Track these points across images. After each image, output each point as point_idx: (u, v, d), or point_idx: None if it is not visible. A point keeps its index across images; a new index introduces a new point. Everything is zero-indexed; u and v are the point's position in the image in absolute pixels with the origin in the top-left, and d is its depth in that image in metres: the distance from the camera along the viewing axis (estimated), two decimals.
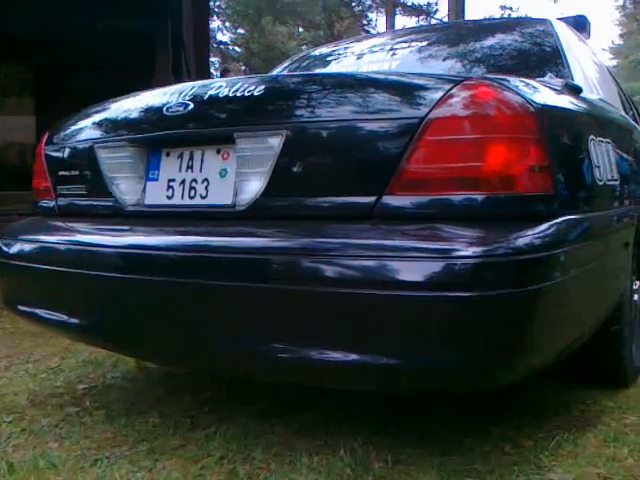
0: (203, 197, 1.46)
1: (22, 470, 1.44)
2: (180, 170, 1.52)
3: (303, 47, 17.97)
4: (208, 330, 1.37)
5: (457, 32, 2.51)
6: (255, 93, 1.39)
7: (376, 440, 1.52)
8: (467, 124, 1.20)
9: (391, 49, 2.35)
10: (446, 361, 1.16)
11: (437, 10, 18.96)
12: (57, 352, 2.46)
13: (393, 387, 1.38)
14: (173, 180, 1.52)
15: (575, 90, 1.68)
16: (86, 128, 1.78)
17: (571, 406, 1.73)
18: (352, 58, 2.46)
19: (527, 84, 1.37)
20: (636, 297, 2.00)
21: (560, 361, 1.39)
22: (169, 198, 1.52)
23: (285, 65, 2.75)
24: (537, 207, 1.22)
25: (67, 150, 1.80)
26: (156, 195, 1.55)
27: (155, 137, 1.55)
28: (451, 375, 1.20)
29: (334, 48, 2.69)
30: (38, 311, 1.71)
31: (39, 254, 1.69)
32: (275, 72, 2.71)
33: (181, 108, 1.47)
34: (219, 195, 1.43)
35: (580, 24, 2.50)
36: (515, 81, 1.34)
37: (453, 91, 1.23)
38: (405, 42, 2.40)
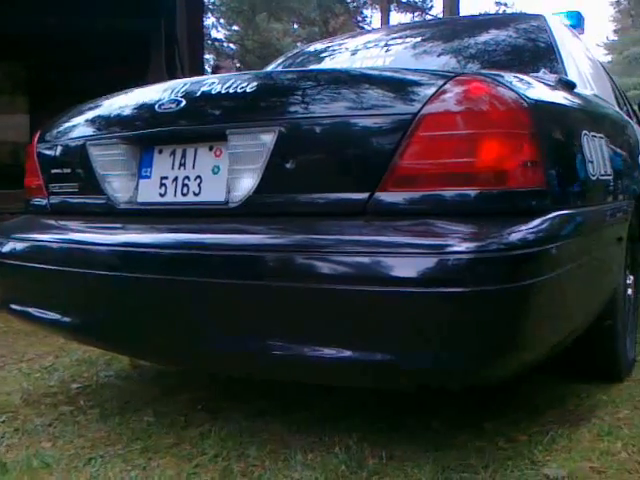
0: (196, 194, 1.46)
1: (15, 470, 1.43)
2: (173, 167, 1.51)
3: (298, 44, 17.92)
4: (202, 328, 1.36)
5: (451, 28, 2.50)
6: (247, 89, 1.38)
7: (371, 437, 1.52)
8: (460, 119, 1.20)
9: (385, 45, 2.35)
10: (440, 357, 1.16)
11: (432, 6, 19.01)
12: (51, 351, 2.46)
13: (388, 383, 1.38)
14: (166, 177, 1.52)
15: (569, 85, 1.68)
16: (78, 125, 1.77)
17: (565, 400, 1.73)
18: (346, 54, 2.45)
19: (520, 79, 1.37)
20: (629, 291, 2.01)
21: (553, 356, 1.40)
22: (162, 196, 1.51)
23: (279, 62, 2.74)
24: (530, 202, 1.22)
25: (59, 148, 1.79)
26: (149, 193, 1.54)
27: (147, 134, 1.54)
28: (445, 371, 1.19)
29: (328, 44, 2.68)
30: (31, 310, 1.70)
31: (31, 253, 1.68)
32: (269, 69, 2.70)
33: (173, 105, 1.47)
34: (212, 192, 1.43)
35: (574, 19, 2.51)
36: (508, 76, 1.33)
37: (446, 87, 1.22)
38: (399, 38, 2.39)
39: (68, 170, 1.74)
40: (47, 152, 1.82)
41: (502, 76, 1.31)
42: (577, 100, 1.66)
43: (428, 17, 17.90)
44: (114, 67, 5.22)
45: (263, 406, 1.75)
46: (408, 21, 16.95)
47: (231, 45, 19.78)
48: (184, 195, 1.47)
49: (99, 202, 1.63)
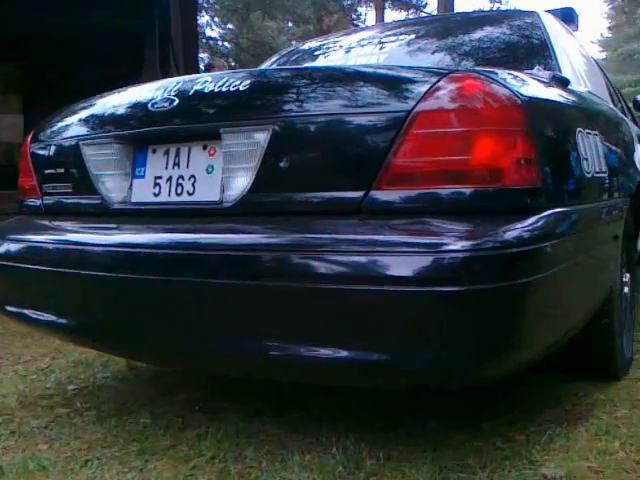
0: (190, 194, 1.45)
1: (11, 473, 1.42)
2: (167, 167, 1.50)
3: (293, 42, 17.90)
4: (197, 329, 1.35)
5: (445, 25, 2.49)
6: (241, 88, 1.37)
7: (368, 437, 1.52)
8: (454, 117, 1.19)
9: (380, 42, 2.34)
10: (436, 356, 1.15)
11: (426, 4, 18.98)
12: (47, 353, 2.44)
13: (386, 383, 1.37)
14: (160, 177, 1.51)
15: (563, 82, 1.67)
16: (71, 125, 1.76)
17: (563, 399, 1.73)
18: (341, 52, 2.44)
19: (514, 76, 1.37)
20: (626, 289, 2.01)
21: (550, 355, 1.39)
22: (156, 195, 1.51)
23: (274, 60, 2.73)
24: (525, 200, 1.21)
25: (53, 148, 1.78)
26: (143, 192, 1.54)
27: (141, 134, 1.53)
28: (441, 370, 1.19)
29: (323, 42, 2.67)
30: (26, 312, 1.69)
31: (26, 254, 1.67)
32: (263, 67, 2.69)
33: (166, 104, 1.46)
34: (206, 192, 1.42)
35: (568, 16, 2.50)
36: (502, 73, 1.33)
37: (440, 84, 1.22)
38: (394, 35, 2.39)
39: (62, 170, 1.73)
40: (40, 152, 1.81)
41: (496, 73, 1.30)
42: (571, 97, 1.66)
43: (422, 14, 17.88)
44: (108, 66, 5.21)
45: (260, 406, 1.75)
46: (402, 18, 16.93)
47: (226, 44, 19.73)
48: (178, 195, 1.47)
49: (93, 202, 1.62)
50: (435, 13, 15.07)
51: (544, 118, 1.34)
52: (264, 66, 2.71)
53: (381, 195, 1.22)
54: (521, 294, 1.14)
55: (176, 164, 1.48)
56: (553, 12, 2.39)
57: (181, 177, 1.47)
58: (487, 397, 1.75)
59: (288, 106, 1.35)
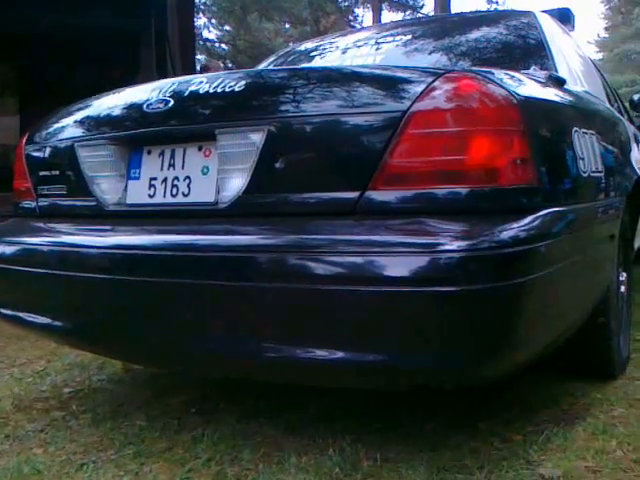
0: (185, 195, 1.44)
1: (6, 477, 1.41)
2: (162, 168, 1.49)
3: (290, 43, 17.90)
4: (194, 330, 1.35)
5: (442, 25, 2.50)
6: (236, 88, 1.37)
7: (365, 438, 1.51)
8: (450, 117, 1.19)
9: (376, 43, 2.34)
10: (433, 357, 1.15)
11: (423, 5, 19.02)
12: (43, 355, 2.43)
13: (381, 384, 1.37)
14: (155, 178, 1.50)
15: (559, 82, 1.67)
16: (66, 127, 1.75)
17: (560, 399, 1.73)
18: (337, 53, 2.44)
19: (510, 76, 1.36)
20: (622, 289, 2.00)
21: (547, 354, 1.39)
22: (151, 197, 1.50)
23: (270, 60, 2.73)
24: (521, 200, 1.21)
25: (47, 149, 1.77)
26: (138, 194, 1.53)
27: (136, 135, 1.53)
28: (438, 370, 1.19)
29: (319, 43, 2.67)
30: (21, 314, 1.68)
31: (20, 256, 1.67)
32: (259, 67, 2.69)
33: (161, 105, 1.45)
34: (201, 193, 1.41)
35: (564, 17, 2.50)
36: (498, 73, 1.33)
37: (435, 84, 1.21)
38: (390, 36, 2.39)
39: (56, 172, 1.72)
40: (35, 154, 1.81)
41: (492, 73, 1.30)
42: (568, 97, 1.65)
43: (419, 15, 17.90)
44: (106, 66, 5.20)
45: (256, 407, 1.74)
46: (399, 19, 16.94)
47: (223, 45, 19.73)
48: (173, 196, 1.46)
49: (88, 204, 1.61)
50: (432, 14, 15.09)
51: (540, 118, 1.34)
52: (261, 67, 2.70)
53: (377, 195, 1.22)
54: (517, 294, 1.13)
55: (171, 165, 1.48)
56: (549, 12, 2.39)
57: (176, 178, 1.46)
58: (484, 397, 1.75)
59: (284, 106, 1.35)
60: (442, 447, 1.45)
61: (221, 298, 1.29)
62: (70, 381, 2.11)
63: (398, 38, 2.34)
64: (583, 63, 2.40)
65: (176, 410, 1.77)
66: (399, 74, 1.33)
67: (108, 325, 1.49)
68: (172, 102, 1.44)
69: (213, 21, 19.49)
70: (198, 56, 14.24)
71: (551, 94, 1.53)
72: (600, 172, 1.65)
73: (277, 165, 1.30)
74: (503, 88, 1.24)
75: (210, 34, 19.57)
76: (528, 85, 1.42)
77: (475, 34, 2.22)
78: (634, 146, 2.43)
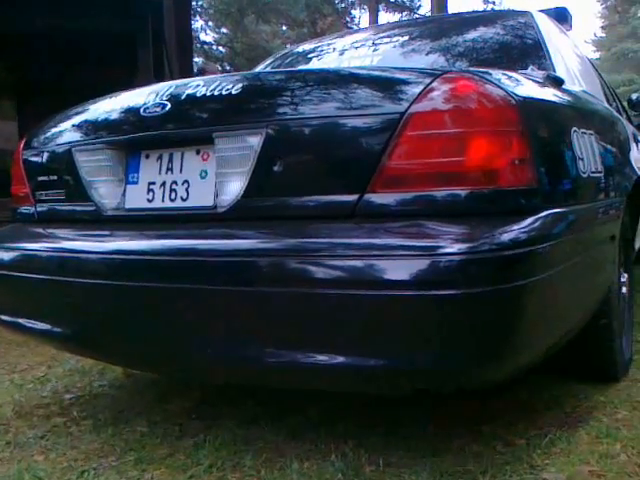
0: (184, 199, 1.43)
1: None
2: (160, 172, 1.49)
3: (287, 45, 17.90)
4: (195, 336, 1.34)
5: (439, 26, 2.49)
6: (233, 91, 1.36)
7: (367, 443, 1.50)
8: (448, 118, 1.18)
9: (373, 44, 2.33)
10: (434, 360, 1.14)
11: (420, 6, 19.01)
12: (44, 361, 2.42)
13: (382, 388, 1.36)
14: (153, 183, 1.49)
15: (557, 82, 1.67)
16: (64, 131, 1.75)
17: (562, 402, 1.72)
18: (335, 54, 2.44)
19: (508, 76, 1.36)
20: (624, 290, 2.00)
21: (549, 357, 1.38)
22: (150, 201, 1.49)
23: (267, 62, 2.73)
24: (521, 201, 1.20)
25: (45, 154, 1.76)
26: (136, 198, 1.52)
27: (133, 139, 1.52)
28: (440, 374, 1.18)
29: (317, 44, 2.67)
30: (21, 320, 1.67)
31: (19, 262, 1.66)
32: (257, 70, 2.68)
33: (159, 109, 1.45)
34: (200, 197, 1.41)
35: (561, 16, 2.50)
36: (496, 73, 1.32)
37: (433, 85, 1.20)
38: (387, 37, 2.38)
39: (54, 177, 1.71)
40: (33, 159, 1.80)
41: (490, 73, 1.29)
42: (566, 96, 1.65)
43: (416, 16, 17.90)
44: (105, 69, 5.19)
45: (258, 412, 1.73)
46: (396, 20, 16.96)
47: (220, 48, 19.72)
48: (172, 200, 1.45)
49: (86, 209, 1.61)
50: (429, 15, 15.09)
51: (539, 118, 1.33)
52: (258, 69, 2.70)
53: (376, 198, 1.21)
54: (519, 296, 1.13)
55: (169, 169, 1.47)
56: (546, 12, 2.38)
57: (174, 182, 1.45)
58: (486, 400, 1.74)
59: (281, 109, 1.34)
60: (444, 451, 1.44)
61: (221, 303, 1.28)
62: (71, 387, 2.10)
63: (395, 39, 2.33)
64: (581, 62, 2.39)
65: (177, 416, 1.76)
66: (396, 75, 1.32)
67: (108, 331, 1.48)
68: (169, 106, 1.43)
69: (210, 24, 19.48)
70: (195, 59, 14.23)
71: (549, 94, 1.53)
72: (600, 172, 1.64)
73: (275, 168, 1.29)
74: (501, 88, 1.23)
75: (207, 37, 19.56)
76: (526, 85, 1.41)
77: (472, 34, 2.21)
78: (633, 145, 2.43)
